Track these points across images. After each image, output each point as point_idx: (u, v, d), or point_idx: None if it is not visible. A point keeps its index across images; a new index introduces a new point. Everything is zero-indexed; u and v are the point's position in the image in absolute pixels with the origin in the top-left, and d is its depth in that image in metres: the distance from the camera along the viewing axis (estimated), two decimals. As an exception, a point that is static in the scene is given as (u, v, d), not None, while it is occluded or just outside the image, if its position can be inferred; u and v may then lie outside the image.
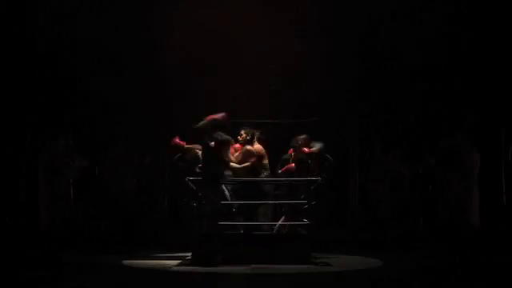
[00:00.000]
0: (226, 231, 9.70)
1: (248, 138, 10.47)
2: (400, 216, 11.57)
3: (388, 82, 12.49)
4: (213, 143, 9.50)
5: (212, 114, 9.68)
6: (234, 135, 10.36)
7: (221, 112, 9.70)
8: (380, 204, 11.62)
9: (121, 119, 12.27)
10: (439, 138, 10.42)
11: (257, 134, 10.52)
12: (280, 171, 10.49)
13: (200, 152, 10.02)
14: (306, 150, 10.22)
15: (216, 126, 9.57)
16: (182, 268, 9.28)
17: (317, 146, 10.27)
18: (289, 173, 10.35)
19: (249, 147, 10.41)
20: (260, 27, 11.75)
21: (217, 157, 9.51)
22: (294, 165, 10.34)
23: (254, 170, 10.31)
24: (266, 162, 10.46)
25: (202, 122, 9.61)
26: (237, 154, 10.39)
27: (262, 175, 10.34)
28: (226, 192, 10.00)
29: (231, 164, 10.05)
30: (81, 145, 10.21)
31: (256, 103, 11.65)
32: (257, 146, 10.46)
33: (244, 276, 8.67)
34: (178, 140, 10.29)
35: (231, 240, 9.58)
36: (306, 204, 9.93)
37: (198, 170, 10.04)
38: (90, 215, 11.52)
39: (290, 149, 10.53)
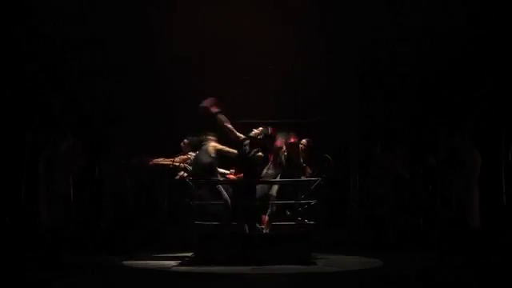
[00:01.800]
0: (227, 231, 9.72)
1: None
2: (400, 216, 11.56)
3: (388, 82, 12.49)
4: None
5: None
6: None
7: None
8: (380, 204, 11.62)
9: (121, 120, 12.27)
10: (439, 138, 10.42)
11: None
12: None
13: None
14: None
15: None
16: (182, 268, 9.28)
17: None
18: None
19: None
20: (260, 27, 11.75)
21: None
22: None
23: None
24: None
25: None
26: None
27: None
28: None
29: None
30: (81, 145, 10.21)
31: (256, 103, 11.66)
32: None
33: (244, 276, 8.68)
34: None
35: (231, 240, 9.58)
36: (305, 204, 9.94)
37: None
38: (89, 215, 11.51)
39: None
